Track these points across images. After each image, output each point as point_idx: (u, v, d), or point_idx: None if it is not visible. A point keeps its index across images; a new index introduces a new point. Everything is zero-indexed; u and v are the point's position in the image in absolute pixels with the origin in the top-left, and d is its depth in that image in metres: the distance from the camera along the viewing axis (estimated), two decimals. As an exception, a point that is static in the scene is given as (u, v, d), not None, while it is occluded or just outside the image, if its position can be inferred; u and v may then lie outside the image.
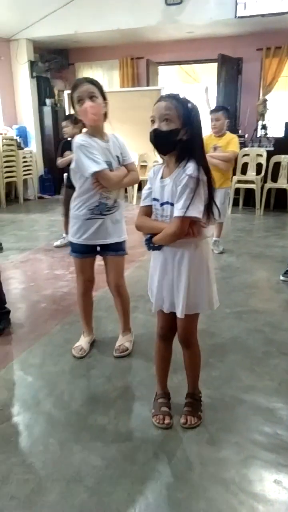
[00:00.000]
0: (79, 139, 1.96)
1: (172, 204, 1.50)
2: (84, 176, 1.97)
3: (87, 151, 1.92)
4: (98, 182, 1.97)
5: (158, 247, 1.58)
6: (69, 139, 4.15)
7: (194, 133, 1.46)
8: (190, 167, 1.43)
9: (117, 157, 2.05)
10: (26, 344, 2.45)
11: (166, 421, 1.74)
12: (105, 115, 2.02)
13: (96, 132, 2.01)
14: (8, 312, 2.67)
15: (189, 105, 1.45)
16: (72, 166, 2.03)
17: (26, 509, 1.38)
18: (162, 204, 1.54)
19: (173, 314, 1.68)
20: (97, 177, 1.95)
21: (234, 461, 1.57)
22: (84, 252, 2.18)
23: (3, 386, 2.04)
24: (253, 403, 1.90)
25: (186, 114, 1.44)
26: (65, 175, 4.20)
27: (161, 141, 1.48)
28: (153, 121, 1.48)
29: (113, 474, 1.52)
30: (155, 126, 1.46)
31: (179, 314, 1.61)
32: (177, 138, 1.45)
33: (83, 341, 2.37)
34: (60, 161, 4.16)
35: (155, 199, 1.58)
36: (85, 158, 1.92)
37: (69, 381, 2.08)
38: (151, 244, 1.58)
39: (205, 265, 1.61)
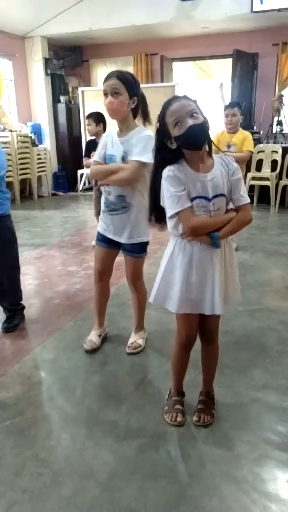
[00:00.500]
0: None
1: (224, 195, 1.50)
2: None
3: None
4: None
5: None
6: (93, 137, 4.15)
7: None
8: (229, 159, 1.54)
9: (125, 152, 2.01)
10: (39, 340, 2.47)
11: (179, 419, 1.74)
12: (135, 111, 2.01)
13: (120, 125, 2.04)
14: (23, 308, 2.70)
15: (194, 99, 1.48)
16: None
17: (39, 503, 1.40)
18: (212, 198, 1.49)
19: (198, 318, 1.65)
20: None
21: (246, 459, 1.56)
22: (103, 241, 2.20)
23: (16, 381, 2.06)
24: (266, 402, 1.88)
25: (200, 108, 1.46)
26: (79, 171, 4.20)
27: (202, 133, 1.44)
28: (177, 124, 1.41)
29: (124, 470, 1.52)
30: (189, 122, 1.40)
31: (221, 311, 1.56)
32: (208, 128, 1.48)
33: (93, 335, 2.39)
34: (85, 162, 4.13)
35: (198, 197, 1.48)
36: None
37: (81, 377, 2.09)
38: (219, 240, 1.51)
39: (235, 257, 1.65)
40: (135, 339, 2.35)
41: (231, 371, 2.11)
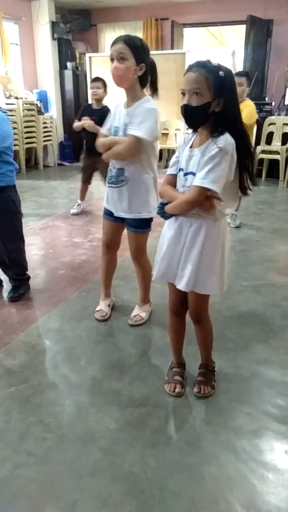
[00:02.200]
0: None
1: (195, 174, 1.46)
2: None
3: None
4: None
5: (170, 216, 1.56)
6: (93, 104, 4.07)
7: (228, 103, 1.39)
8: (222, 140, 1.39)
9: (126, 125, 1.95)
10: (44, 310, 2.50)
11: (177, 390, 1.78)
12: (144, 79, 1.92)
13: (127, 94, 1.97)
14: (28, 278, 2.72)
15: (220, 73, 1.36)
16: None
17: (43, 465, 1.45)
18: (186, 174, 1.50)
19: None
20: None
21: (246, 431, 1.60)
22: (109, 214, 2.19)
23: (22, 349, 2.10)
24: (268, 376, 1.91)
25: (218, 84, 1.36)
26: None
27: (191, 117, 1.42)
28: (183, 94, 1.40)
29: (126, 437, 1.57)
30: (185, 101, 1.39)
31: (183, 287, 1.58)
32: (209, 112, 1.39)
33: (102, 305, 2.42)
34: (75, 124, 4.08)
35: (180, 169, 1.53)
36: None
37: (86, 347, 2.13)
38: (164, 211, 1.55)
39: (221, 243, 1.57)
40: (138, 312, 2.37)
41: (233, 345, 2.13)
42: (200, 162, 1.43)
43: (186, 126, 1.55)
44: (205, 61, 1.39)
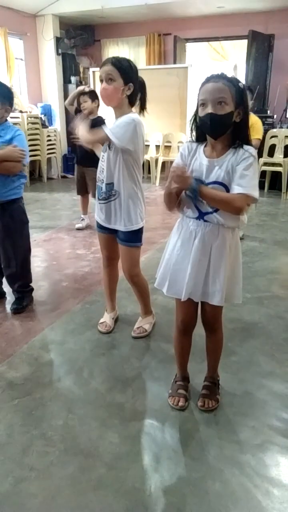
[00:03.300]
0: None
1: (222, 184, 1.46)
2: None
3: None
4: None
5: (197, 199, 1.46)
6: (90, 115, 4.09)
7: (246, 114, 1.43)
8: (251, 149, 1.43)
9: None
10: (48, 322, 2.50)
11: (181, 403, 1.76)
12: (133, 98, 1.96)
13: (115, 112, 1.99)
14: (32, 290, 2.72)
15: (240, 84, 1.41)
16: None
17: (45, 480, 1.43)
18: (208, 184, 1.47)
19: (195, 305, 1.67)
20: None
21: (250, 445, 1.58)
22: (103, 228, 2.20)
23: (25, 361, 2.09)
24: (272, 389, 1.89)
25: (239, 95, 1.40)
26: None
27: (217, 125, 1.41)
28: (203, 104, 1.41)
29: (130, 451, 1.55)
30: (209, 110, 1.39)
31: (218, 302, 1.57)
32: (232, 121, 1.42)
33: (107, 317, 2.42)
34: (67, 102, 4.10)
35: (194, 178, 1.48)
36: None
37: (89, 359, 2.12)
38: (197, 192, 1.43)
39: (239, 250, 1.61)
40: (142, 324, 2.36)
41: (237, 358, 2.12)
42: (228, 171, 1.44)
43: (191, 136, 1.55)
44: (223, 73, 1.43)
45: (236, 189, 1.42)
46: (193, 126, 1.53)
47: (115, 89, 1.90)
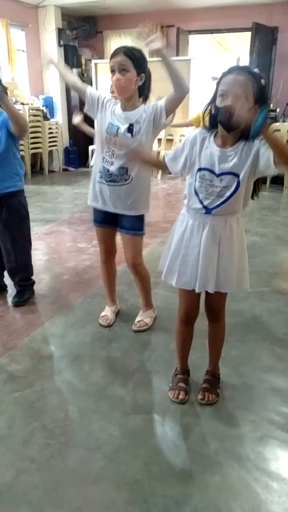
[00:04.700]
0: None
1: (235, 175, 1.44)
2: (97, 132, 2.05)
3: None
4: None
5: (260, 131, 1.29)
6: None
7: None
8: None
9: (131, 125, 1.94)
10: (49, 315, 2.50)
11: (181, 396, 1.77)
12: (141, 88, 1.95)
13: (125, 102, 1.98)
14: (33, 283, 2.73)
15: (263, 81, 1.37)
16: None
17: (46, 472, 1.44)
18: (220, 175, 1.46)
19: (198, 295, 1.67)
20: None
21: (250, 438, 1.59)
22: (101, 222, 2.19)
23: (26, 354, 2.10)
24: (272, 384, 1.90)
25: (260, 92, 1.36)
26: (90, 147, 4.13)
27: (234, 120, 1.35)
28: (223, 95, 1.37)
29: (130, 444, 1.56)
30: (229, 102, 1.35)
31: (230, 289, 1.60)
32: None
33: (108, 311, 2.42)
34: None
35: (203, 169, 1.48)
36: None
37: (89, 352, 2.12)
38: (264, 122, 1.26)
39: (245, 240, 1.64)
40: (142, 317, 2.36)
41: (238, 352, 2.12)
42: (242, 160, 1.42)
43: (203, 123, 1.53)
44: (248, 67, 1.40)
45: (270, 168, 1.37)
46: (207, 114, 1.49)
47: (129, 80, 1.89)
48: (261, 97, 1.37)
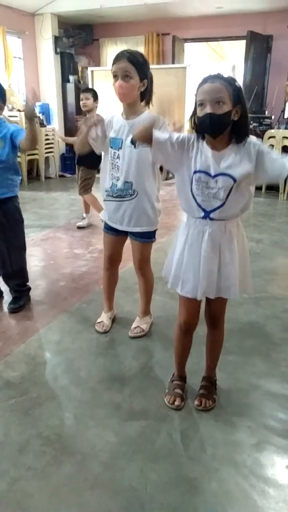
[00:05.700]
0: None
1: (230, 176, 1.45)
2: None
3: None
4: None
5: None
6: (88, 113, 4.09)
7: (244, 111, 1.44)
8: (253, 138, 1.46)
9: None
10: (45, 321, 2.49)
11: (177, 402, 1.77)
12: (143, 94, 1.95)
13: (126, 109, 1.98)
14: (29, 289, 2.72)
15: (237, 83, 1.42)
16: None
17: (42, 480, 1.43)
18: (215, 176, 1.47)
19: (198, 304, 1.68)
20: None
21: (246, 444, 1.59)
22: (110, 229, 2.19)
23: (22, 361, 2.09)
24: (268, 389, 1.90)
25: (236, 94, 1.41)
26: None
27: (216, 125, 1.42)
28: (201, 105, 1.42)
29: (126, 451, 1.55)
30: (208, 110, 1.39)
31: (234, 295, 1.60)
32: (230, 120, 1.42)
33: (104, 317, 2.42)
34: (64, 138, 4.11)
35: (199, 171, 1.49)
36: None
37: (86, 359, 2.12)
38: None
39: (246, 244, 1.65)
40: (139, 324, 2.36)
41: (234, 358, 2.12)
42: (235, 163, 1.45)
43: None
44: (219, 73, 1.44)
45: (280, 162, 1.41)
46: (192, 125, 1.53)
47: (132, 87, 1.88)
48: (238, 98, 1.41)
